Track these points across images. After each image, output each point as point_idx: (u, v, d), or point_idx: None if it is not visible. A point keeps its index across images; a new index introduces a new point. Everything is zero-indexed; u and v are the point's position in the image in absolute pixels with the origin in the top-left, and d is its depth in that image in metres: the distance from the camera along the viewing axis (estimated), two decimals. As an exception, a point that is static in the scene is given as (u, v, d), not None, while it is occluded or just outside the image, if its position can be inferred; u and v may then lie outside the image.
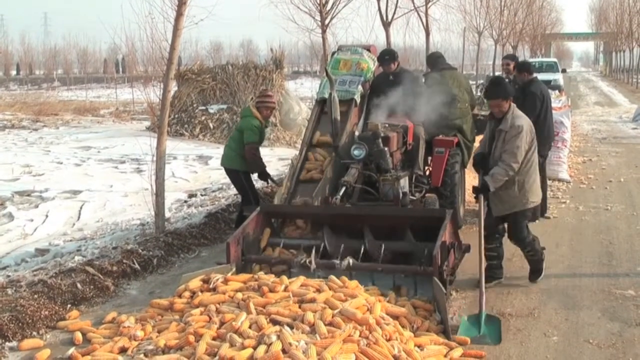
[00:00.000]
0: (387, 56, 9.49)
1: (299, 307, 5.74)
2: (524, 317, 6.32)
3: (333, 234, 7.29)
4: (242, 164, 8.90)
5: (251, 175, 9.09)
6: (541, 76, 11.02)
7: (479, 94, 19.12)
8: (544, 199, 9.83)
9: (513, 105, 6.89)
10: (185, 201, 11.86)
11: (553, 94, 15.77)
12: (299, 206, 8.11)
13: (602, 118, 27.01)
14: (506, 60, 11.47)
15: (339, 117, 8.23)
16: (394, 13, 17.26)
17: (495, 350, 5.68)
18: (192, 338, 5.31)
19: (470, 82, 13.39)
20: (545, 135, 9.58)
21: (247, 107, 9.39)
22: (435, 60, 10.23)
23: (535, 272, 7.31)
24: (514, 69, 10.53)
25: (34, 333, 6.22)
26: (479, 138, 10.99)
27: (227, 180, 10.13)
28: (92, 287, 7.32)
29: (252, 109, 8.97)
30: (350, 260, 6.74)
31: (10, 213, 10.87)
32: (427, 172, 9.54)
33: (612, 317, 6.27)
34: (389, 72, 9.33)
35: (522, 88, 9.71)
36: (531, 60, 38.78)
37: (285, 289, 6.15)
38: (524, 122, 6.82)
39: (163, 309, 6.32)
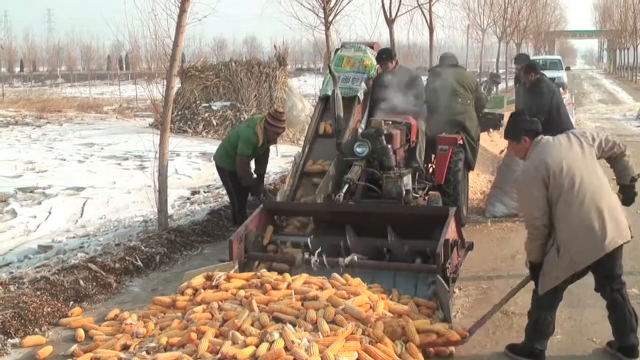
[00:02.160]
0: (385, 55, 9.47)
1: (302, 304, 5.73)
2: (527, 315, 6.30)
3: (337, 232, 7.27)
4: (230, 164, 9.00)
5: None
6: (545, 74, 10.98)
7: (483, 91, 19.12)
8: None
9: (534, 144, 5.30)
10: (189, 198, 11.85)
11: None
12: (302, 204, 8.10)
13: (606, 116, 26.95)
14: (516, 66, 11.32)
15: (342, 115, 8.21)
16: (398, 10, 17.25)
17: (498, 348, 5.67)
18: (194, 336, 5.29)
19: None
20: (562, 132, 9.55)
21: (255, 118, 9.45)
22: (443, 59, 10.23)
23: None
24: (520, 70, 10.52)
25: (37, 330, 6.23)
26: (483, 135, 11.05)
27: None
28: (94, 284, 7.32)
29: (259, 125, 9.01)
30: (355, 257, 6.75)
31: (14, 210, 10.87)
32: (431, 170, 9.54)
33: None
34: (388, 71, 9.31)
35: (530, 89, 9.72)
36: (535, 58, 38.76)
37: (288, 287, 6.14)
38: (523, 169, 5.35)
39: (166, 306, 6.32)
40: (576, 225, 5.02)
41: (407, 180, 8.18)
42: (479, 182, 12.36)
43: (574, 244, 5.04)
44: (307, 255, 6.87)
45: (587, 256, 5.06)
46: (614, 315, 5.35)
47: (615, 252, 5.12)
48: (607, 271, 5.24)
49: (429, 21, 20.31)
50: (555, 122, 9.48)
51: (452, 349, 5.46)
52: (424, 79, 10.11)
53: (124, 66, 79.63)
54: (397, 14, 17.20)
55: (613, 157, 5.40)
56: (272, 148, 9.66)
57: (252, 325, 5.35)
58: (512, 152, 5.80)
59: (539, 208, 5.08)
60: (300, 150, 9.10)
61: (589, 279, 7.00)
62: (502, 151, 13.01)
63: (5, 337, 5.98)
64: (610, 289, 5.31)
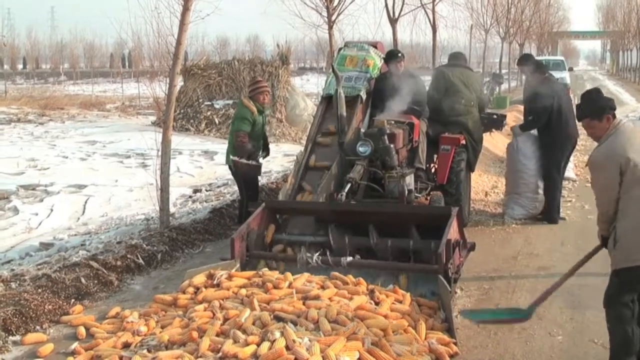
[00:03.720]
0: (400, 54, 9.53)
1: (303, 303, 5.73)
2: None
3: (338, 231, 7.27)
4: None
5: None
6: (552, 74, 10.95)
7: (485, 91, 19.09)
8: (559, 201, 9.82)
9: (613, 126, 5.00)
10: (190, 196, 11.85)
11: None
12: (304, 202, 8.09)
13: (608, 117, 26.87)
14: (519, 67, 11.09)
15: (344, 114, 8.20)
16: (401, 10, 17.15)
17: (499, 348, 5.66)
18: (195, 334, 5.29)
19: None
20: (563, 136, 9.54)
21: (239, 101, 9.39)
22: (450, 58, 10.22)
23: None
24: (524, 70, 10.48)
25: (38, 327, 6.22)
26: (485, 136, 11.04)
27: (232, 175, 10.12)
28: (96, 281, 7.32)
29: (243, 100, 9.04)
30: (355, 257, 6.75)
31: (16, 207, 10.88)
32: (433, 170, 9.54)
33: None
34: (396, 73, 9.27)
35: (533, 88, 9.73)
36: (538, 58, 38.70)
37: (290, 286, 6.14)
38: (602, 151, 5.00)
39: (167, 304, 6.32)
40: (637, 220, 4.78)
41: (409, 179, 8.18)
42: (480, 182, 12.36)
43: (631, 239, 4.81)
44: (308, 254, 6.86)
45: None
46: None
47: None
48: None
49: (431, 21, 20.24)
50: (556, 124, 9.47)
51: (455, 349, 5.45)
52: (428, 78, 10.10)
53: (127, 64, 79.77)
54: (400, 14, 17.12)
55: None
56: (274, 147, 9.60)
57: (253, 323, 5.34)
58: (588, 131, 5.15)
59: (614, 192, 4.85)
60: (303, 149, 9.09)
61: (590, 280, 7.03)
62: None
63: (6, 334, 5.98)
64: None
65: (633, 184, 4.78)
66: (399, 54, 9.48)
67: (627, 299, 4.90)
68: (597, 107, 5.03)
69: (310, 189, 8.20)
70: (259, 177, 9.40)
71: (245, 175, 8.89)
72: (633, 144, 4.87)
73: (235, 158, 8.72)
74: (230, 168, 9.14)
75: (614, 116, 5.03)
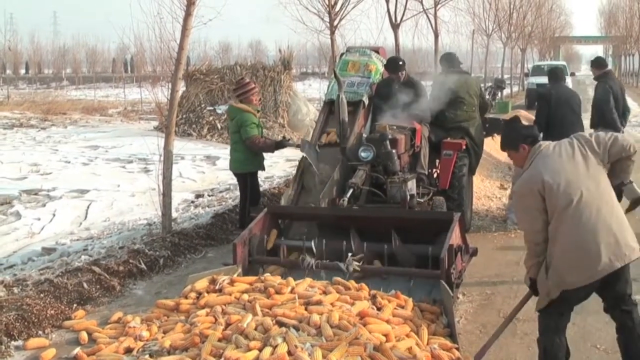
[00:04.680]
0: (401, 62, 9.49)
1: (305, 309, 5.72)
2: (531, 321, 6.25)
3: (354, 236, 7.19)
4: (249, 165, 8.93)
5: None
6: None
7: (487, 96, 19.10)
8: None
9: (533, 152, 4.93)
10: (193, 201, 11.85)
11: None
12: (306, 207, 8.10)
13: (610, 122, 26.85)
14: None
15: (346, 119, 8.21)
16: (403, 15, 17.20)
17: (501, 353, 5.66)
18: (197, 339, 5.30)
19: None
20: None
21: (231, 107, 9.30)
22: (446, 62, 10.16)
23: None
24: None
25: (40, 332, 6.24)
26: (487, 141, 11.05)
27: (235, 180, 10.12)
28: (98, 286, 7.33)
29: (240, 106, 8.98)
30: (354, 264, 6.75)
31: (18, 211, 10.88)
32: (435, 175, 9.54)
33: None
34: (397, 81, 9.26)
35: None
36: (540, 63, 38.75)
37: (292, 291, 6.14)
38: (521, 179, 4.95)
39: (169, 309, 6.32)
40: (567, 243, 4.64)
41: (411, 184, 8.18)
42: (482, 187, 12.36)
43: (562, 263, 4.66)
44: (311, 260, 6.86)
45: (578, 278, 4.64)
46: (623, 338, 4.95)
47: (620, 271, 4.66)
48: (613, 292, 4.81)
49: (433, 26, 20.28)
50: (556, 130, 9.46)
51: (458, 354, 5.44)
52: (429, 84, 10.11)
53: (129, 69, 79.93)
54: (402, 19, 17.17)
55: (617, 159, 4.90)
56: (276, 152, 9.59)
57: (255, 329, 5.34)
58: (513, 161, 5.27)
59: (538, 221, 4.73)
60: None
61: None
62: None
63: (9, 339, 5.99)
64: (619, 310, 4.88)
65: (556, 207, 4.66)
66: (400, 63, 9.43)
67: (562, 314, 4.89)
68: (510, 139, 5.08)
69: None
70: (261, 182, 9.40)
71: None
72: (547, 166, 4.75)
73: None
74: (239, 176, 9.16)
75: (533, 143, 4.94)
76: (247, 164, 9.02)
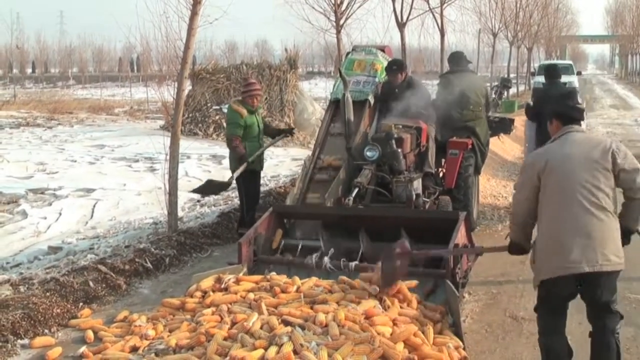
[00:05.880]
0: (395, 66, 9.28)
1: (311, 308, 5.72)
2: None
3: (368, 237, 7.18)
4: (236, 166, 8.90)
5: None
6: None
7: (493, 95, 19.06)
8: None
9: (561, 132, 4.99)
10: (198, 200, 11.85)
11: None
12: (311, 206, 8.09)
13: (617, 121, 26.85)
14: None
15: (352, 118, 8.21)
16: (409, 14, 17.21)
17: (507, 353, 5.65)
18: (203, 338, 5.30)
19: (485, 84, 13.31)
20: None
21: (228, 107, 9.36)
22: (454, 61, 10.13)
23: None
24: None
25: (46, 331, 6.25)
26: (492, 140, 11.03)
27: (240, 180, 10.13)
28: (104, 285, 7.34)
29: (232, 105, 9.04)
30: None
31: (24, 210, 10.90)
32: (441, 174, 9.53)
33: (626, 322, 6.15)
34: (395, 85, 9.16)
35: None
36: (546, 62, 38.66)
37: (297, 290, 6.14)
38: (536, 151, 5.33)
39: (175, 308, 6.32)
40: (547, 230, 4.76)
41: (417, 184, 8.16)
42: (488, 186, 12.34)
43: (540, 250, 4.83)
44: (317, 259, 6.85)
45: (549, 266, 4.72)
46: (592, 343, 4.89)
47: (595, 278, 4.61)
48: (589, 297, 4.80)
49: (440, 25, 20.29)
50: (546, 126, 9.45)
51: (464, 353, 5.43)
52: (435, 82, 10.09)
53: (135, 68, 79.99)
54: (408, 18, 17.17)
55: (625, 194, 4.81)
56: (282, 151, 9.60)
57: (261, 328, 5.34)
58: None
59: (525, 190, 4.89)
60: (310, 153, 9.10)
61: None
62: None
63: (15, 338, 6.01)
64: (602, 323, 4.80)
65: (546, 188, 4.75)
66: (394, 67, 9.26)
67: (553, 312, 4.93)
68: (551, 111, 5.14)
69: None
70: (262, 182, 9.36)
71: (247, 183, 8.93)
72: (561, 150, 4.81)
73: (235, 174, 8.69)
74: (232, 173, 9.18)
75: (565, 122, 4.97)
76: (233, 166, 9.01)
